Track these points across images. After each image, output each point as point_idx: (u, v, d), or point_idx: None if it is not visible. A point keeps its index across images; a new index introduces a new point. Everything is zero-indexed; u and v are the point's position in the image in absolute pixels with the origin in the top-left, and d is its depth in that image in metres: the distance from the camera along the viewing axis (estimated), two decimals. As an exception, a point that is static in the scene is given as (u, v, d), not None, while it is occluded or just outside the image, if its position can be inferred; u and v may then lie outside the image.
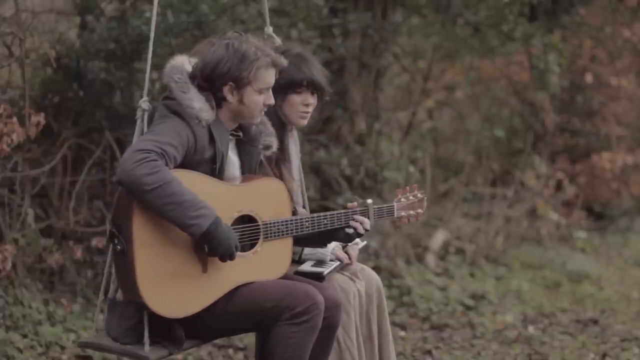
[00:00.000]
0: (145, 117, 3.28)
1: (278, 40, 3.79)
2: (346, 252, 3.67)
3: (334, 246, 3.64)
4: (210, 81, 3.19)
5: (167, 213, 2.98)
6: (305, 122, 3.62)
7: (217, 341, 5.01)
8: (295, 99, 3.55)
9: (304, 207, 3.85)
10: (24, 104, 4.69)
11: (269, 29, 3.82)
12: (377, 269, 6.54)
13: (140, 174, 2.92)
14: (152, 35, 3.36)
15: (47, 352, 4.53)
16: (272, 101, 3.28)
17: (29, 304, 4.77)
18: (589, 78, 9.41)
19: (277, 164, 3.59)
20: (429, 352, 5.24)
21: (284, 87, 3.51)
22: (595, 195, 9.64)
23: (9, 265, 4.25)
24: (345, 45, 6.61)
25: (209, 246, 3.08)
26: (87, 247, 5.13)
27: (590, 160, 9.46)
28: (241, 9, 5.35)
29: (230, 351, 5.00)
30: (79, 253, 4.96)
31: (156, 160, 2.95)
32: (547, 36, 7.92)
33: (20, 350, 4.40)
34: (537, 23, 8.13)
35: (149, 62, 3.35)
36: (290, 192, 3.59)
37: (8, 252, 4.25)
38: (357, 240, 3.71)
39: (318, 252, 3.62)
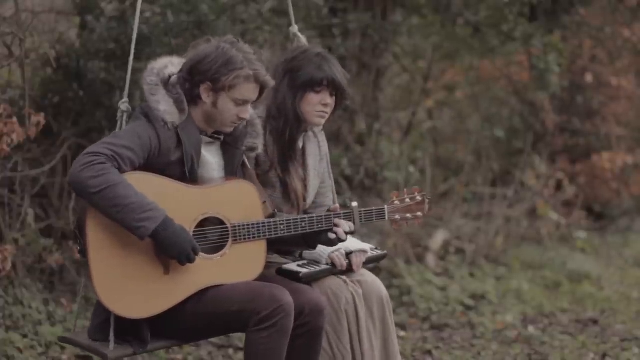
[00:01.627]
0: (124, 118, 3.33)
1: (304, 40, 3.78)
2: (349, 259, 3.54)
3: (334, 249, 3.51)
4: (190, 75, 3.19)
5: (114, 215, 3.00)
6: (322, 121, 3.56)
7: (217, 341, 5.02)
8: (314, 98, 3.50)
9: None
10: (24, 104, 4.69)
11: (295, 28, 3.81)
12: (377, 269, 6.54)
13: (85, 176, 2.95)
14: (134, 36, 3.39)
15: (47, 352, 4.54)
16: (246, 116, 3.23)
17: (29, 304, 4.77)
18: (589, 78, 9.41)
19: (284, 165, 3.54)
20: (429, 352, 5.24)
21: (303, 85, 3.48)
22: (595, 195, 9.63)
23: (9, 265, 4.25)
24: (345, 45, 6.61)
25: (161, 248, 3.07)
26: (87, 247, 5.12)
27: (590, 160, 9.46)
28: (241, 9, 5.35)
29: (230, 351, 5.00)
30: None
31: (104, 164, 2.97)
32: (547, 36, 7.92)
33: (20, 350, 4.40)
34: (537, 23, 8.13)
35: (131, 63, 3.37)
36: (298, 193, 3.53)
37: (8, 252, 4.26)
38: (367, 247, 3.61)
39: (315, 252, 3.53)
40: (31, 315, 4.72)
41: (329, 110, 3.55)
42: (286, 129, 3.51)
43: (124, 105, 3.32)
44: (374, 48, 7.10)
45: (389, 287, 6.28)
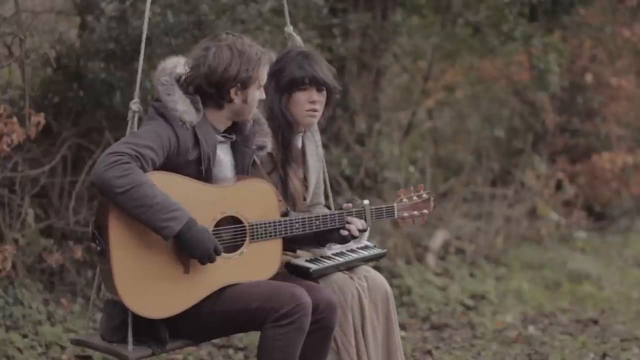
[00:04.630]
0: (136, 118, 3.31)
1: (299, 40, 3.80)
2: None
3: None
4: (219, 85, 3.21)
5: (139, 216, 3.00)
6: (313, 120, 3.58)
7: (217, 341, 5.02)
8: (300, 96, 3.53)
9: (327, 207, 3.83)
10: (24, 104, 4.69)
11: (290, 28, 3.82)
12: (377, 269, 6.50)
13: (111, 176, 2.95)
14: (144, 37, 3.39)
15: (47, 352, 4.54)
16: (264, 96, 3.33)
17: (29, 304, 4.77)
18: (589, 78, 9.41)
19: (283, 166, 3.56)
20: (429, 352, 5.24)
21: (288, 86, 3.52)
22: (595, 195, 9.63)
23: (9, 265, 4.25)
24: (345, 45, 6.61)
25: (184, 248, 3.09)
26: (87, 247, 5.13)
27: (590, 160, 9.46)
28: (241, 9, 5.35)
29: (230, 351, 5.00)
30: (79, 253, 4.96)
31: (128, 163, 2.97)
32: (547, 36, 7.93)
33: (20, 350, 4.40)
34: (537, 23, 8.13)
35: (141, 63, 3.36)
36: (297, 193, 3.57)
37: (8, 252, 4.26)
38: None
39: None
40: (31, 315, 4.72)
41: (318, 107, 3.56)
42: (279, 131, 3.55)
43: (135, 105, 3.31)
44: (374, 48, 7.10)
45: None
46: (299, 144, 3.65)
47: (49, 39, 5.15)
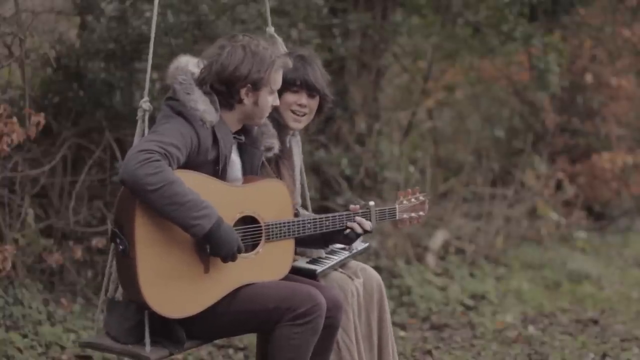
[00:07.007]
0: (147, 117, 3.28)
1: (279, 40, 3.80)
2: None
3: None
4: (229, 84, 3.20)
5: (170, 213, 2.98)
6: (298, 125, 3.59)
7: (217, 341, 5.02)
8: (290, 97, 3.53)
9: (305, 207, 3.87)
10: (24, 104, 4.69)
11: (271, 29, 3.82)
12: (377, 269, 6.49)
13: (143, 173, 2.92)
14: (152, 35, 3.36)
15: (47, 352, 4.53)
16: (277, 102, 3.32)
17: (29, 304, 4.77)
18: (589, 78, 9.41)
19: (277, 164, 3.59)
20: (429, 352, 5.24)
21: (280, 87, 3.52)
22: (595, 195, 9.64)
23: (9, 265, 4.25)
24: (345, 45, 6.61)
25: (211, 247, 3.08)
26: (87, 247, 5.13)
27: (590, 160, 9.46)
28: (241, 9, 5.35)
29: (231, 351, 5.00)
30: (79, 253, 4.96)
31: (159, 161, 2.95)
32: (547, 36, 7.93)
33: (20, 350, 4.39)
34: (537, 23, 8.13)
35: (150, 62, 3.34)
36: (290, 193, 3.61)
37: (8, 252, 4.26)
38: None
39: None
40: (31, 315, 4.72)
41: (305, 111, 3.58)
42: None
43: (145, 104, 3.28)
44: (374, 48, 7.10)
45: (389, 287, 6.30)
46: (288, 144, 3.68)
47: (49, 39, 5.15)
